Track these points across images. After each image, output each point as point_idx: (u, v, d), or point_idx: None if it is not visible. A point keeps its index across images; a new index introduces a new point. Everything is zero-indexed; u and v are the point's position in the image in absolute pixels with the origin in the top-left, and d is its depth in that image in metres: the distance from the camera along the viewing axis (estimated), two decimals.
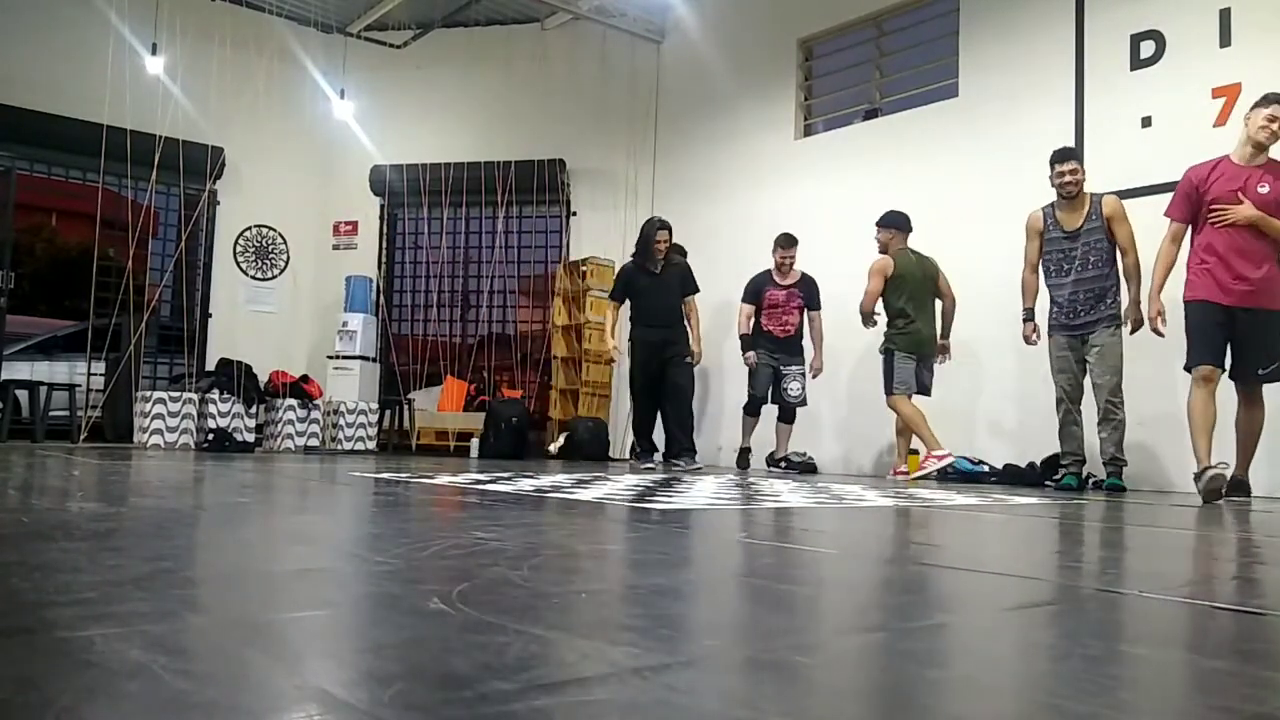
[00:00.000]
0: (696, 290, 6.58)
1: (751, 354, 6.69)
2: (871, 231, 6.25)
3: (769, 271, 6.77)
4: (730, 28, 8.41)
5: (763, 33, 8.08)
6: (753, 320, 6.74)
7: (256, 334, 9.03)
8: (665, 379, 6.34)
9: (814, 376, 6.66)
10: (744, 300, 6.81)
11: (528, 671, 0.78)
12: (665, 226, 6.48)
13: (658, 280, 6.45)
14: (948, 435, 6.19)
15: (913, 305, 5.89)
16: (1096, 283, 4.92)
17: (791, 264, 6.73)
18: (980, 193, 6.39)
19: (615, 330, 6.76)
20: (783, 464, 6.73)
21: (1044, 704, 0.77)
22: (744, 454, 6.85)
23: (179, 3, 8.36)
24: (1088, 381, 5.00)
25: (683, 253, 6.94)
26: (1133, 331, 4.83)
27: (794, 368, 6.66)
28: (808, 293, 6.75)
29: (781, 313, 6.71)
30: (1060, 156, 5.03)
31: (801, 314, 6.71)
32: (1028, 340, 5.21)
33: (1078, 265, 4.96)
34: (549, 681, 0.75)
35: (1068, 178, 4.96)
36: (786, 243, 6.69)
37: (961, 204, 6.48)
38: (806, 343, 6.78)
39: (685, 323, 6.50)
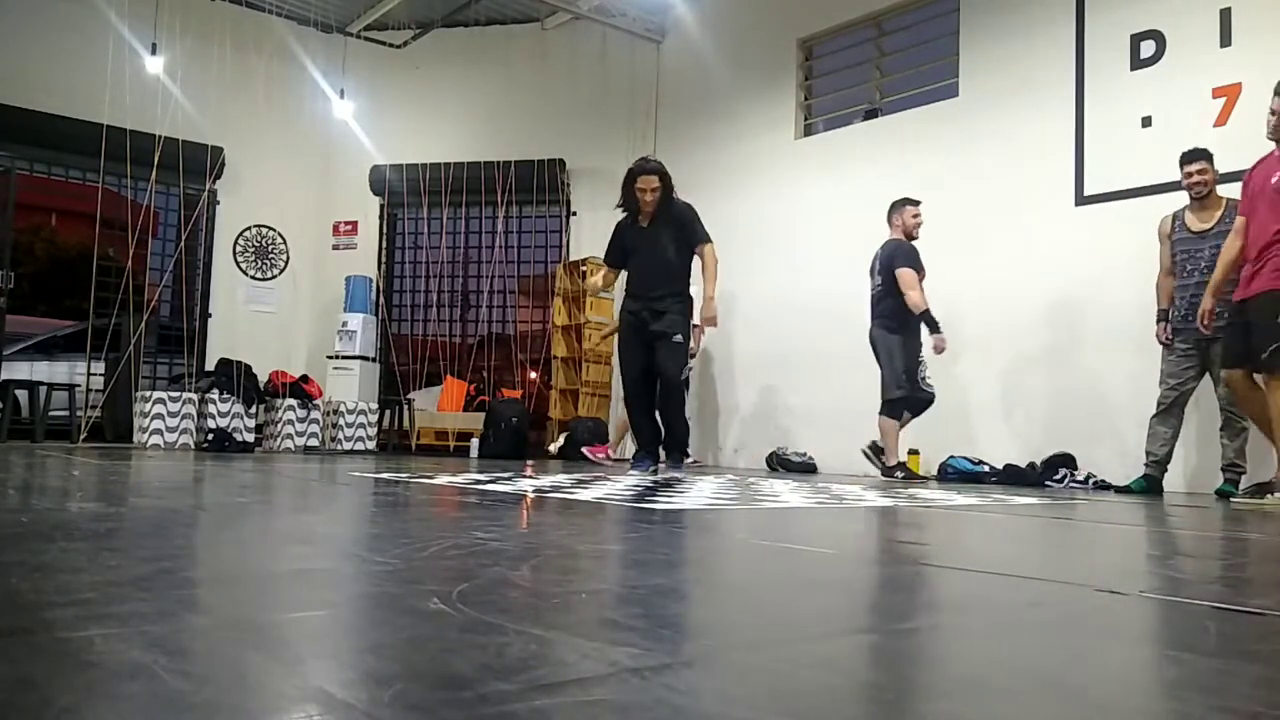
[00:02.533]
0: (705, 239, 5.14)
1: (941, 336, 5.55)
2: (872, 232, 6.26)
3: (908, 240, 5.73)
4: (730, 28, 8.41)
5: (763, 33, 8.08)
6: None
7: (256, 334, 9.03)
8: (654, 363, 5.05)
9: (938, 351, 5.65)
10: (912, 267, 5.65)
11: (528, 671, 0.78)
12: (650, 170, 5.04)
13: (645, 235, 5.11)
14: (949, 434, 6.19)
15: None
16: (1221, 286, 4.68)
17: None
18: (980, 193, 6.39)
19: (600, 285, 5.68)
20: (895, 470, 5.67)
21: (1043, 704, 0.77)
22: (892, 469, 5.67)
23: (179, 3, 8.36)
24: (1204, 388, 4.89)
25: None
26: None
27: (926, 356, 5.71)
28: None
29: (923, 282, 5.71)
30: (1188, 157, 4.92)
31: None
32: (1159, 340, 5.03)
33: (1204, 267, 4.79)
34: (549, 681, 0.75)
35: (1195, 178, 4.86)
36: (916, 200, 5.82)
37: (961, 204, 6.48)
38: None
39: (683, 287, 5.15)
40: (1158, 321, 5.05)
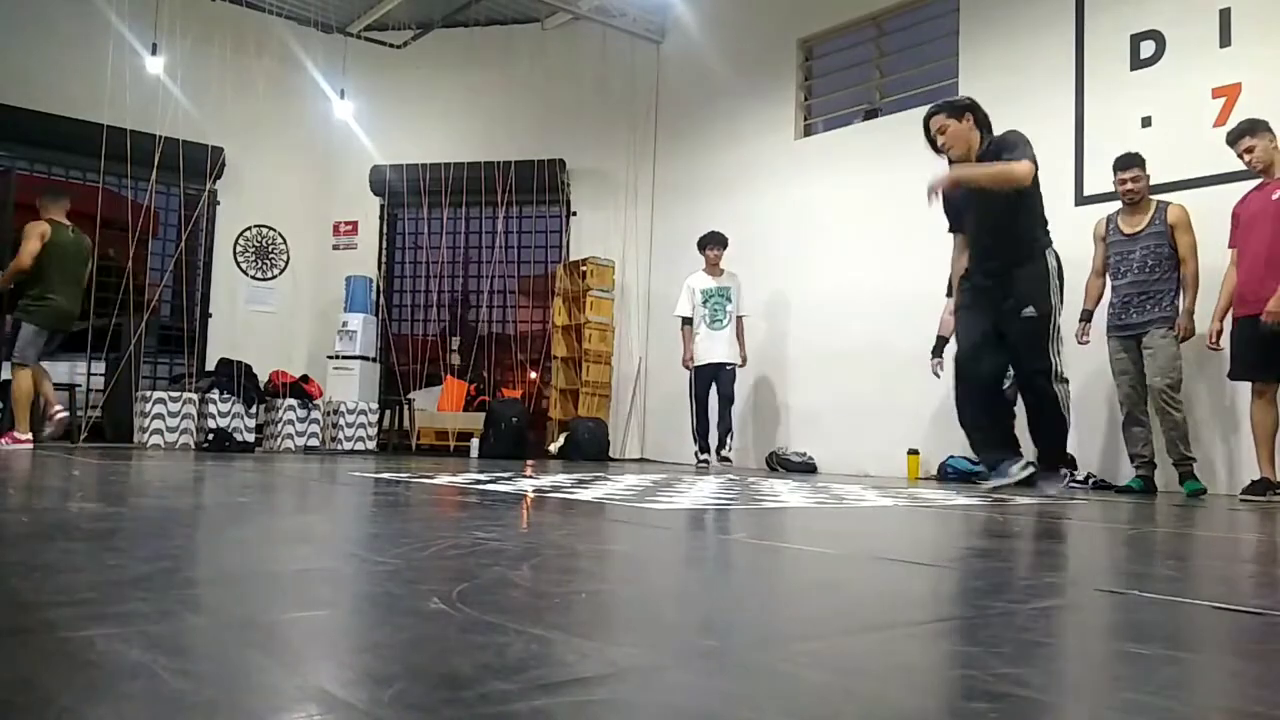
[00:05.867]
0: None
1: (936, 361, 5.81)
2: (871, 232, 6.25)
3: None
4: (730, 28, 8.41)
5: (763, 33, 8.08)
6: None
7: (256, 334, 9.03)
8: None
9: None
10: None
11: (528, 671, 0.78)
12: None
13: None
14: (949, 435, 6.19)
15: (59, 279, 6.23)
16: (1150, 285, 4.95)
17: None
18: None
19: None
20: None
21: (1042, 704, 0.77)
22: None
23: (179, 3, 8.36)
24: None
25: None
26: (1181, 341, 4.87)
27: None
28: None
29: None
30: (1121, 164, 5.07)
31: None
32: (1078, 339, 5.20)
33: (1135, 267, 5.01)
34: (549, 681, 0.75)
35: (1128, 185, 5.03)
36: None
37: None
38: None
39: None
40: (1080, 321, 5.20)
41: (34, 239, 6.17)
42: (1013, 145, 4.07)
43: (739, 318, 7.03)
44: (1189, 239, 4.89)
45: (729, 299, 6.99)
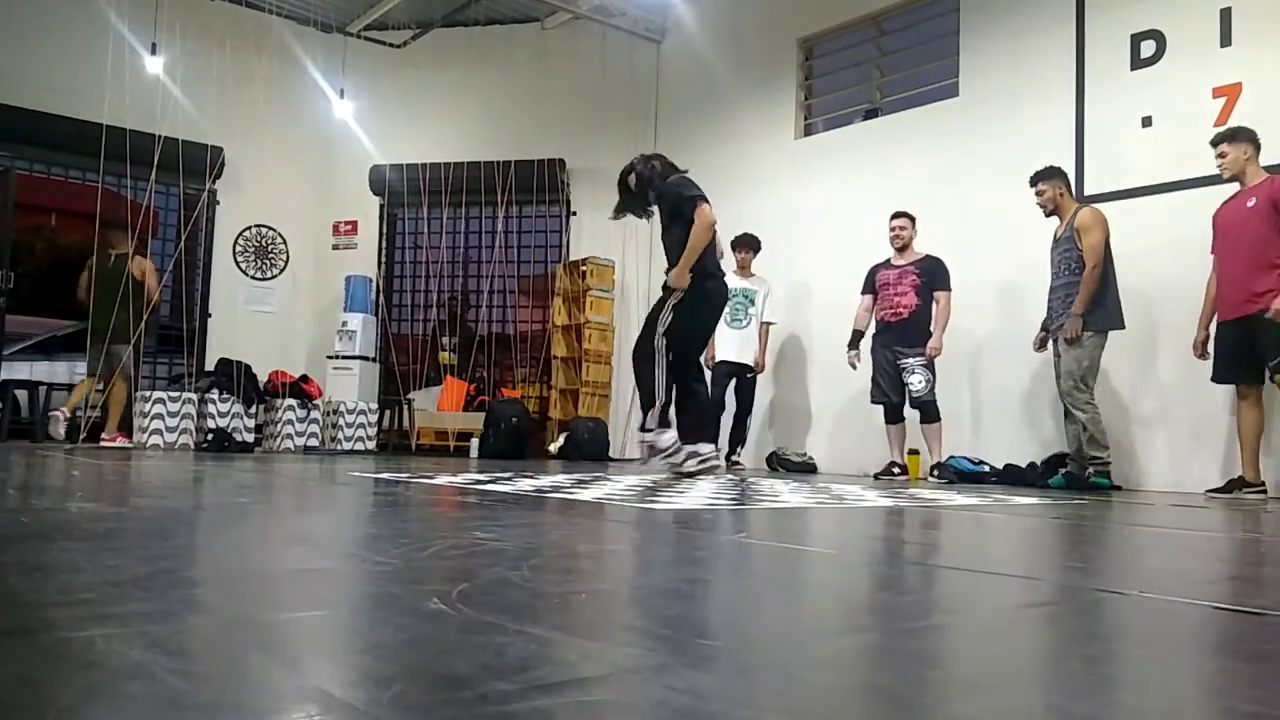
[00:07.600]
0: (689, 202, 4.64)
1: (852, 353, 6.22)
2: (872, 233, 6.26)
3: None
4: (730, 28, 8.41)
5: (763, 33, 8.08)
6: (871, 314, 6.19)
7: (256, 334, 9.03)
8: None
9: (927, 362, 5.86)
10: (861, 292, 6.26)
11: (528, 671, 0.78)
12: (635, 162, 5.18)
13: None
14: (951, 435, 6.19)
15: (97, 302, 7.13)
16: (1064, 290, 5.07)
17: (904, 242, 6.09)
18: (980, 193, 6.39)
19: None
20: (935, 473, 5.84)
21: (1043, 704, 0.77)
22: (888, 467, 6.08)
23: (179, 2, 8.35)
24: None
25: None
26: (1068, 342, 4.96)
27: (913, 359, 5.88)
28: (929, 272, 5.97)
29: (892, 293, 6.04)
30: (1030, 180, 5.26)
31: (920, 294, 5.94)
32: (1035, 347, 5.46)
33: (1053, 273, 5.17)
34: (549, 681, 0.75)
35: (1037, 200, 5.22)
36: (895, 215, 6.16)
37: (961, 204, 6.48)
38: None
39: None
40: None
41: (84, 270, 7.11)
42: (680, 201, 4.80)
43: (764, 324, 7.01)
44: (1090, 240, 4.92)
45: (752, 301, 6.97)
